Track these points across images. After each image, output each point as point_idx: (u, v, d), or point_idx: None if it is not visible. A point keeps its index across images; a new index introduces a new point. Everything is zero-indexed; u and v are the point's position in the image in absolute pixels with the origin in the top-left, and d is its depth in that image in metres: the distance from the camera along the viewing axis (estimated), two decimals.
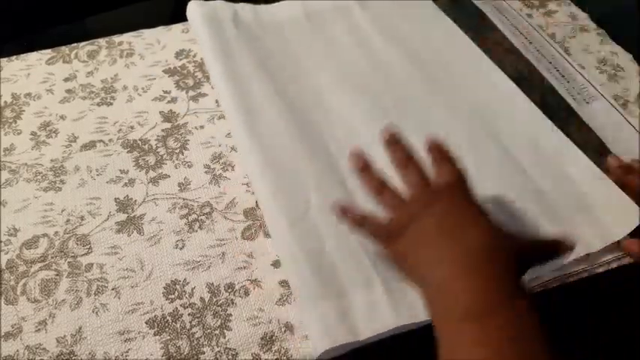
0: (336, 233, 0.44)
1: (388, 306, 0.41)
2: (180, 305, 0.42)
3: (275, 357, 0.39)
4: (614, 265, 0.44)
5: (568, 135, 0.52)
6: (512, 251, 0.35)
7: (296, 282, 0.42)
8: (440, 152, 0.40)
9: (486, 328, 0.31)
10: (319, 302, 0.40)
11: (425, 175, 0.39)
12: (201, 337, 0.40)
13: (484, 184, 0.47)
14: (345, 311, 0.40)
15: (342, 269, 0.42)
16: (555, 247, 0.38)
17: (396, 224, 0.38)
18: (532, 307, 0.32)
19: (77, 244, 0.44)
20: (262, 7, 0.62)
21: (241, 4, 0.62)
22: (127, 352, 0.39)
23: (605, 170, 0.49)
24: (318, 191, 0.47)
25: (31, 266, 0.43)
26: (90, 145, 0.51)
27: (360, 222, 0.40)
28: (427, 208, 0.37)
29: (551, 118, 0.53)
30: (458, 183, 0.38)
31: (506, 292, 0.33)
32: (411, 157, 0.40)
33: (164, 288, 0.42)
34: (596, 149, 0.51)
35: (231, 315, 0.41)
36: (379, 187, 0.40)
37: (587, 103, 0.56)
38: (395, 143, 0.41)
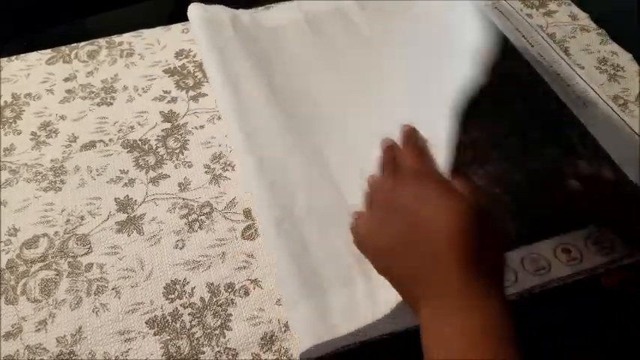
0: (319, 232, 0.44)
1: (368, 299, 0.41)
2: (180, 305, 0.42)
3: (275, 357, 0.39)
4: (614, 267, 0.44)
5: (567, 138, 0.51)
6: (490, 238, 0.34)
7: (281, 281, 0.42)
8: (408, 138, 0.42)
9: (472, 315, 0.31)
10: (302, 301, 0.40)
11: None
12: (201, 337, 0.40)
13: None
14: (326, 309, 0.40)
15: (325, 268, 0.43)
16: None
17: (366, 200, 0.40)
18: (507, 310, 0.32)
19: (77, 244, 0.44)
20: (261, 13, 0.62)
21: (241, 10, 0.62)
22: (127, 352, 0.39)
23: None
24: (307, 192, 0.47)
25: (31, 266, 0.43)
26: (90, 145, 0.51)
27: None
28: (395, 189, 0.38)
29: (550, 120, 0.53)
30: (422, 162, 0.40)
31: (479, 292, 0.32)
32: (391, 146, 0.42)
33: (164, 288, 0.43)
34: (594, 152, 0.51)
35: (231, 315, 0.41)
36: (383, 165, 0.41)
37: (586, 106, 0.56)
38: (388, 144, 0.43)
